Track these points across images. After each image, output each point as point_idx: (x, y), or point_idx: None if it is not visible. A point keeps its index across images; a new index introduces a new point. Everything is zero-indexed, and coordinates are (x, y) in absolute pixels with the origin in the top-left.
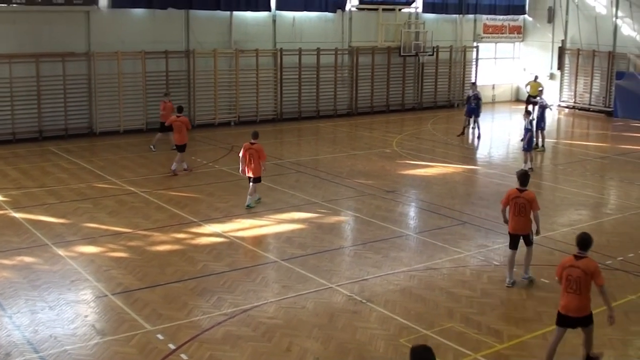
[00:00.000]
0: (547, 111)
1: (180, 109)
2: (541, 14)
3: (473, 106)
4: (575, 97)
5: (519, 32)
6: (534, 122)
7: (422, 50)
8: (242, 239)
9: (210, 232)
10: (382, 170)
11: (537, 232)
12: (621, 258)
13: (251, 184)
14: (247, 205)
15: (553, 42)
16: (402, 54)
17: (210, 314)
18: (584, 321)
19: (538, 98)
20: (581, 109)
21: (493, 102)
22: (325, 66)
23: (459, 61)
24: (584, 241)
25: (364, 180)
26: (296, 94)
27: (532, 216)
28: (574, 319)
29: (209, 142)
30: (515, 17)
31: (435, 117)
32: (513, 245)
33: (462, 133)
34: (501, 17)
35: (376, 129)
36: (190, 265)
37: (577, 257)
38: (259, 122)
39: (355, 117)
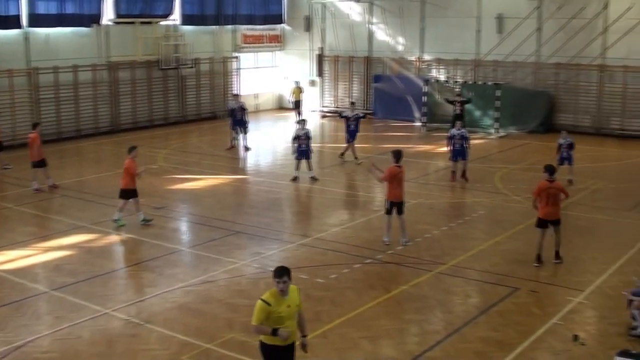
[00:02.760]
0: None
1: (34, 125)
2: (298, 23)
3: (239, 118)
4: (336, 101)
5: (278, 41)
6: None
7: (182, 63)
8: (8, 271)
9: None
10: (150, 187)
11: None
12: (391, 251)
13: (121, 199)
14: (115, 220)
15: (311, 49)
16: (162, 67)
17: None
18: (557, 222)
19: (348, 112)
20: None
21: (257, 111)
22: (84, 83)
23: (220, 72)
24: (551, 168)
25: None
26: (54, 114)
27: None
28: (549, 221)
29: None
30: (274, 26)
31: (200, 129)
32: (389, 211)
33: (232, 146)
34: (260, 27)
35: (141, 145)
36: None
37: (550, 181)
38: (18, 145)
39: (119, 134)
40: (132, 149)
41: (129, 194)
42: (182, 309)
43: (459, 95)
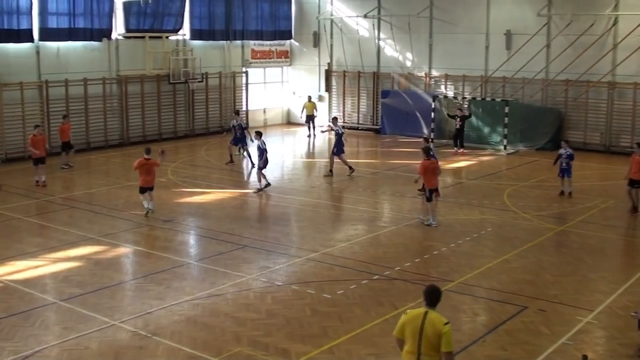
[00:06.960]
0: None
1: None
2: (307, 39)
3: (238, 136)
4: (344, 116)
5: (287, 57)
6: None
7: (191, 77)
8: (17, 281)
9: None
10: (158, 200)
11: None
12: (399, 268)
13: (148, 192)
14: (149, 210)
15: (320, 65)
16: (171, 81)
17: None
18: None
19: (332, 125)
20: (350, 128)
21: (265, 126)
22: (94, 96)
23: (229, 87)
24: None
25: (141, 211)
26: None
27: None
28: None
29: None
30: (282, 42)
31: (208, 143)
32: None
33: (231, 161)
34: (268, 42)
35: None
36: None
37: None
38: (28, 157)
39: (128, 147)
40: (149, 150)
41: (143, 189)
42: (189, 322)
43: (459, 109)
